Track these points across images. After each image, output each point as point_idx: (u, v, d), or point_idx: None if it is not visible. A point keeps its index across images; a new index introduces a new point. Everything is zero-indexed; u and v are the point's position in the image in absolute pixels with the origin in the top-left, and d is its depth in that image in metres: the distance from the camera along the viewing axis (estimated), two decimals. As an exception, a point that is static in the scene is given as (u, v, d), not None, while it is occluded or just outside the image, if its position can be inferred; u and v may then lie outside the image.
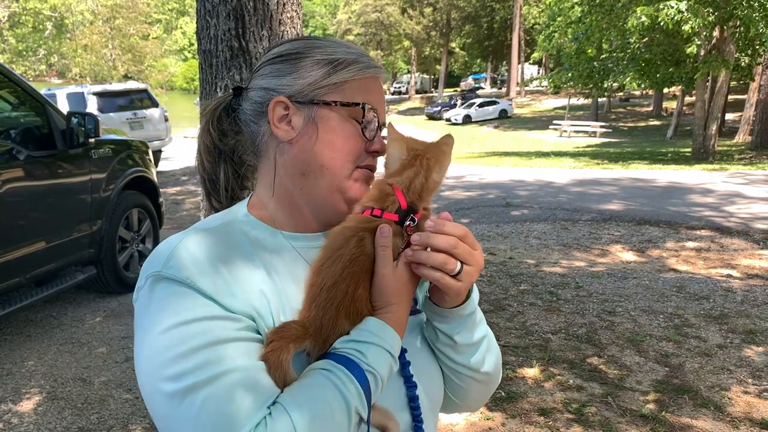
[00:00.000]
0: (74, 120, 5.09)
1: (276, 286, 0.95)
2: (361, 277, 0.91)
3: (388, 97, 68.38)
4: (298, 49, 1.04)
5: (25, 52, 37.40)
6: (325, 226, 1.01)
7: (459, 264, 0.92)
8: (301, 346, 0.88)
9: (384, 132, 1.08)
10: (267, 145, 1.04)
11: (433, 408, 1.07)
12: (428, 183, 0.97)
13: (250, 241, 0.98)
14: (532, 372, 4.23)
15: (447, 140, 1.04)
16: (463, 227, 0.94)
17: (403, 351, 0.97)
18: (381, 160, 1.06)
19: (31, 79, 33.93)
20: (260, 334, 0.89)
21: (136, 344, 0.89)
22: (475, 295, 1.05)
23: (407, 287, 0.94)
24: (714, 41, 19.46)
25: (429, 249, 0.91)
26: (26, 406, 3.88)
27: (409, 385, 0.98)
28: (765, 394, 3.93)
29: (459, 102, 48.42)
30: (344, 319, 0.90)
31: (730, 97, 27.25)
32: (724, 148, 22.67)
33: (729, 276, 6.54)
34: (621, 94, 39.43)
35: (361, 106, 1.00)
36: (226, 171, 1.12)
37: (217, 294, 0.87)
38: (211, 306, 0.86)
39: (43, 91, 11.68)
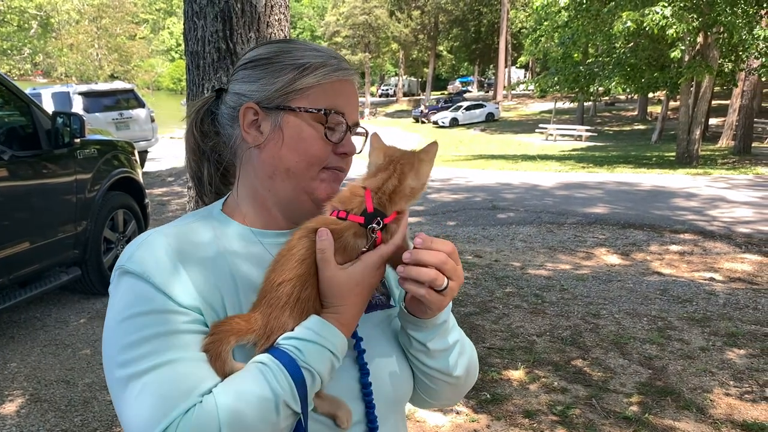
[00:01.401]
0: (59, 120, 5.05)
1: (234, 282, 0.99)
2: (308, 278, 0.93)
3: (375, 99, 68.48)
4: (269, 55, 1.08)
5: (9, 51, 36.96)
6: (295, 224, 1.04)
7: (446, 280, 0.94)
8: (243, 340, 0.91)
9: (359, 132, 1.12)
10: (240, 148, 1.09)
11: (398, 399, 1.10)
12: (402, 187, 0.99)
13: (216, 236, 1.04)
14: (517, 374, 4.26)
15: (428, 148, 1.06)
16: (450, 243, 0.97)
17: (359, 339, 1.01)
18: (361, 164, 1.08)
19: (16, 78, 33.58)
20: (208, 327, 0.94)
21: (104, 331, 0.97)
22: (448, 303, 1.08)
23: (361, 288, 0.96)
24: (698, 47, 19.65)
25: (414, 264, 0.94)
26: (9, 408, 3.84)
27: (363, 372, 1.01)
28: (746, 396, 3.98)
29: (425, 106, 48.60)
30: (289, 317, 0.92)
31: (713, 102, 27.53)
32: (708, 153, 22.88)
33: (712, 279, 6.61)
34: (606, 98, 39.66)
35: (323, 112, 1.03)
36: (209, 169, 1.17)
37: (169, 288, 0.93)
38: (163, 300, 0.92)
39: (28, 91, 11.56)
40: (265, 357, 0.90)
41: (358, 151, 1.12)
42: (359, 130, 1.12)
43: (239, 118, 1.06)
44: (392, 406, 1.08)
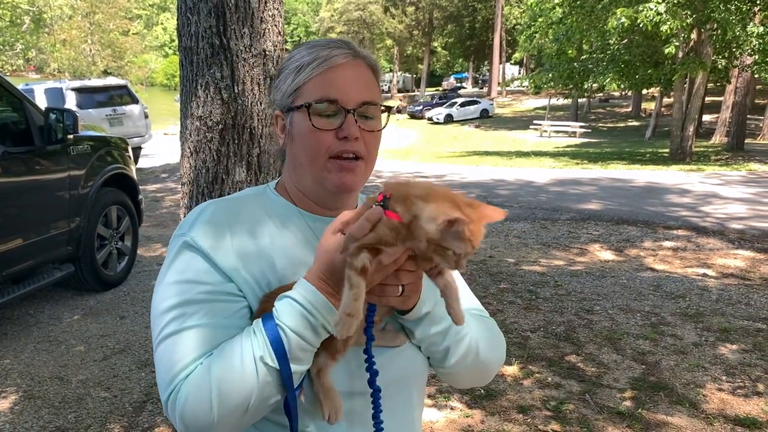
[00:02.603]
0: (52, 116, 5.03)
1: (272, 253, 1.11)
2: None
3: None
4: (282, 63, 1.21)
5: (2, 47, 36.74)
6: (328, 208, 1.19)
7: (400, 287, 1.03)
8: None
9: (367, 114, 1.14)
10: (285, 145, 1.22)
11: (406, 376, 1.19)
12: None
13: (266, 211, 1.18)
14: (511, 370, 4.27)
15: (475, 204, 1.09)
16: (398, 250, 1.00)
17: (371, 308, 1.05)
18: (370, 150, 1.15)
19: (8, 73, 33.41)
20: (242, 292, 1.07)
21: (157, 281, 1.12)
22: (427, 298, 1.13)
23: (323, 253, 1.01)
24: (692, 43, 19.70)
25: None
26: (2, 405, 3.83)
27: (368, 336, 1.07)
28: (738, 391, 4.00)
29: (401, 102, 48.74)
30: None
31: (707, 98, 27.63)
32: (701, 149, 22.96)
33: (705, 275, 6.63)
34: (601, 94, 39.76)
35: (305, 105, 1.11)
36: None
37: (215, 257, 1.07)
38: (206, 269, 1.06)
39: (20, 86, 11.53)
40: (256, 320, 1.01)
41: (380, 127, 1.18)
42: (372, 109, 1.16)
43: (276, 124, 1.21)
44: (401, 382, 1.18)
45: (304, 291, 0.99)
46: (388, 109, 1.21)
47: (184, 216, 2.95)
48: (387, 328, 1.15)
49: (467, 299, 1.32)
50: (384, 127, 1.20)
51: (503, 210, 1.04)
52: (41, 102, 12.09)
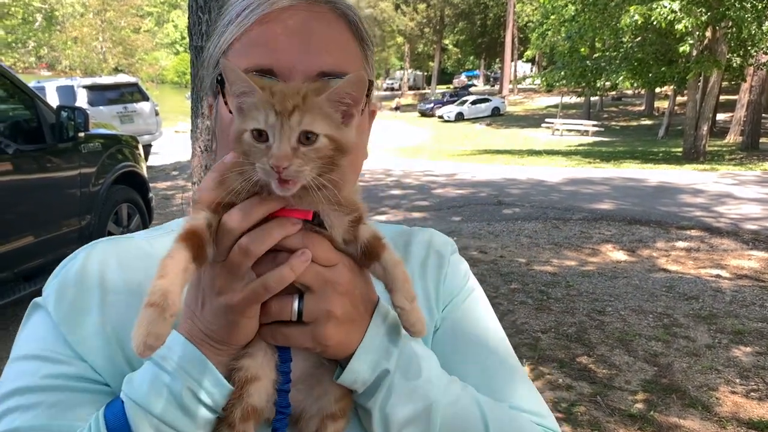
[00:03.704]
0: (64, 114, 5.05)
1: None
2: None
3: (380, 93, 68.18)
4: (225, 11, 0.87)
5: (14, 44, 37.07)
6: None
7: (296, 301, 0.71)
8: None
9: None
10: None
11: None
12: None
13: None
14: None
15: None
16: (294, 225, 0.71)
17: (283, 357, 0.74)
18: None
19: (20, 71, 33.71)
20: (101, 377, 0.78)
21: None
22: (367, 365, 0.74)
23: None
24: (706, 41, 19.54)
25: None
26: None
27: (279, 411, 0.74)
28: (752, 394, 3.95)
29: (398, 103, 49.25)
30: None
31: (721, 97, 27.39)
32: (715, 149, 22.78)
33: (718, 276, 6.57)
34: (613, 93, 39.55)
35: (216, 81, 0.83)
36: None
37: (73, 334, 0.79)
38: (55, 341, 0.79)
39: (32, 84, 11.60)
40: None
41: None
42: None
43: (209, 110, 0.93)
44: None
45: (169, 341, 0.68)
46: (369, 84, 0.84)
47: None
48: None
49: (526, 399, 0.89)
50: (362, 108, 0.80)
51: None
52: (53, 99, 12.16)
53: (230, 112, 0.77)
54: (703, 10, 17.73)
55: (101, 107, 13.73)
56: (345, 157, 0.70)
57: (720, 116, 31.14)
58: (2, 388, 0.77)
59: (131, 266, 0.84)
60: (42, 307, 0.82)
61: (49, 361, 0.77)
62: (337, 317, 0.70)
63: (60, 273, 0.84)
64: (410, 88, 68.97)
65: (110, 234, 5.77)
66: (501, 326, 1.00)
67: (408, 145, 27.30)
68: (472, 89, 61.00)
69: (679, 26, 16.95)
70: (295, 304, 0.70)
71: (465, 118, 43.27)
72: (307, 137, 0.66)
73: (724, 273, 6.69)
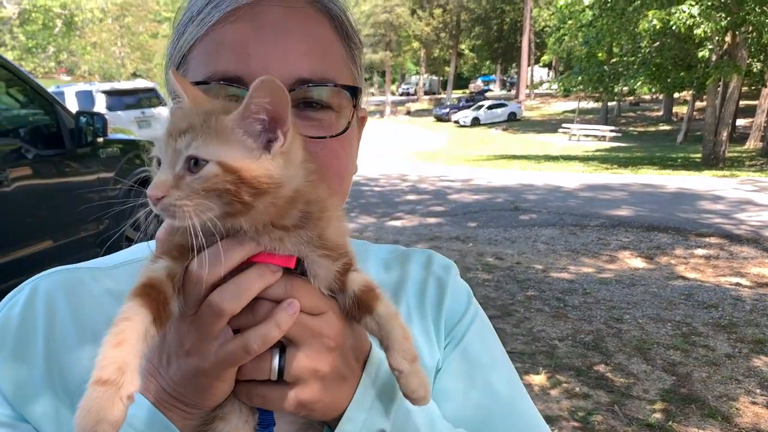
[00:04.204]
0: (83, 119, 5.10)
1: None
2: None
3: (395, 98, 68.23)
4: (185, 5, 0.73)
5: (34, 49, 37.57)
6: None
7: (277, 357, 0.61)
8: None
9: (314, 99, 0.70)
10: None
11: None
12: None
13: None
14: (538, 379, 4.20)
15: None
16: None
17: (264, 420, 0.65)
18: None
19: (40, 76, 34.11)
20: None
21: None
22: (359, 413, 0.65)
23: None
24: (726, 46, 19.34)
25: None
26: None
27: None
28: (774, 405, 3.89)
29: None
30: None
31: (741, 102, 27.08)
32: (735, 155, 22.52)
33: (738, 284, 6.48)
34: (631, 98, 39.23)
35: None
36: None
37: (12, 391, 0.69)
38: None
39: (51, 89, 11.73)
40: None
41: (338, 126, 0.71)
42: (322, 92, 0.68)
43: None
44: None
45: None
46: (354, 91, 0.71)
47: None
48: None
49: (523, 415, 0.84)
50: (346, 128, 0.71)
51: None
52: (72, 104, 12.30)
53: None
54: (723, 14, 17.55)
55: (119, 112, 13.87)
56: (263, 193, 0.55)
57: (740, 122, 30.81)
58: None
59: (81, 305, 0.74)
60: None
61: None
62: (324, 376, 0.60)
63: (2, 313, 0.74)
64: (426, 93, 68.93)
65: (128, 239, 5.80)
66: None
67: (423, 149, 27.28)
68: (488, 94, 60.88)
69: (698, 31, 16.80)
70: (275, 361, 0.59)
71: (481, 123, 43.17)
72: (195, 163, 0.54)
73: (744, 281, 6.60)
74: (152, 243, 0.74)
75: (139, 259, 0.80)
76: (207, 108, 0.56)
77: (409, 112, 53.06)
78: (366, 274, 0.65)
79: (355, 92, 0.70)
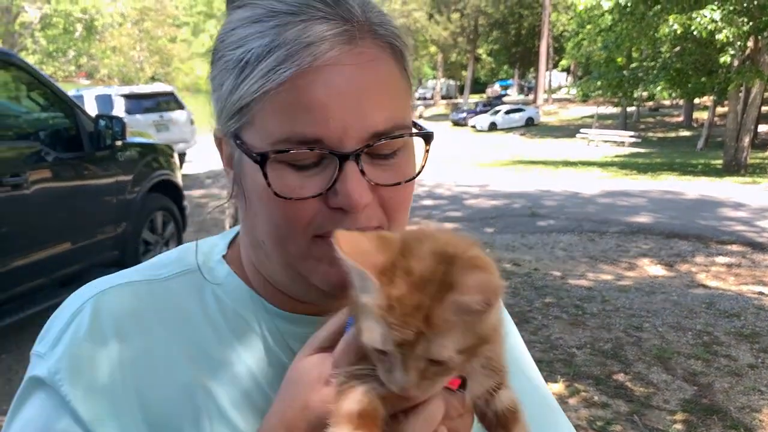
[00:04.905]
0: (101, 123, 5.14)
1: (215, 401, 0.69)
2: None
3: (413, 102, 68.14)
4: (218, 42, 0.70)
5: (55, 53, 38.11)
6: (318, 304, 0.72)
7: None
8: None
9: (354, 173, 0.64)
10: None
11: None
12: None
13: (203, 307, 0.72)
14: (556, 387, 4.15)
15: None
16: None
17: None
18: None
19: (60, 79, 34.57)
20: None
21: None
22: None
23: (303, 399, 0.60)
24: (748, 51, 19.13)
25: None
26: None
27: None
28: (799, 418, 3.80)
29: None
30: None
31: (763, 108, 26.76)
32: (757, 161, 22.23)
33: (761, 293, 6.37)
34: (650, 103, 38.96)
35: (257, 157, 0.64)
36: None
37: (95, 423, 0.65)
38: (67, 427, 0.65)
39: (71, 93, 11.86)
40: None
41: (411, 171, 0.70)
42: (392, 143, 0.66)
43: (220, 150, 0.74)
44: None
45: None
46: (426, 137, 0.71)
47: (230, 225, 2.92)
48: None
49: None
50: (420, 170, 0.70)
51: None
52: (91, 108, 12.42)
53: (278, 195, 0.64)
54: (745, 19, 17.36)
55: (138, 116, 13.98)
56: (485, 345, 0.57)
57: (762, 128, 30.43)
58: None
59: (148, 327, 0.70)
60: (48, 386, 0.67)
61: None
62: None
63: (66, 337, 0.68)
64: (443, 98, 68.92)
65: (145, 242, 5.84)
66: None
67: (440, 154, 27.23)
68: (505, 99, 60.74)
69: (720, 36, 16.62)
70: None
71: (498, 128, 43.05)
72: (435, 362, 0.54)
73: (767, 290, 6.49)
74: (201, 244, 0.78)
75: (189, 269, 0.76)
76: (422, 303, 0.53)
77: (421, 116, 52.90)
78: (513, 391, 0.64)
79: (424, 137, 0.70)
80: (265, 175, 0.63)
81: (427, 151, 0.71)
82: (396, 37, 0.68)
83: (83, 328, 0.69)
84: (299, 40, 0.61)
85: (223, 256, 0.77)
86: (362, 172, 0.63)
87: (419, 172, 0.70)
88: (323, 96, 0.61)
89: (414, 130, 0.69)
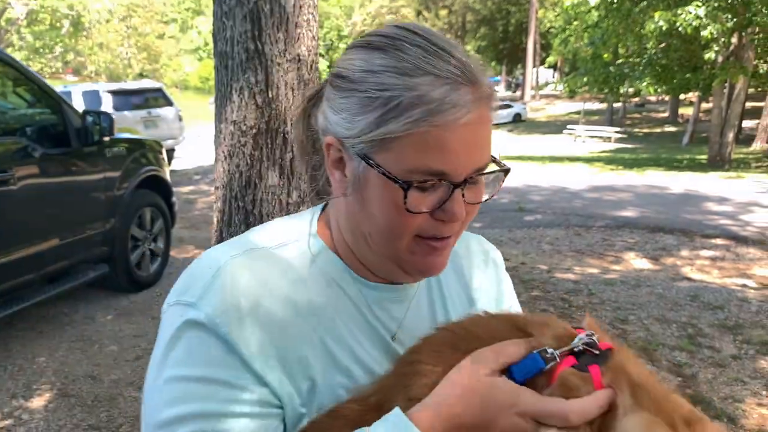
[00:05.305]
0: (89, 118, 5.12)
1: (324, 344, 0.84)
2: None
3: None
4: (358, 71, 0.80)
5: (41, 50, 37.72)
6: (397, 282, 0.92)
7: None
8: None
9: (469, 191, 0.83)
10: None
11: None
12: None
13: (307, 271, 0.87)
14: (543, 379, 4.19)
15: None
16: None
17: None
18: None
19: (47, 76, 34.21)
20: (280, 401, 0.80)
21: (148, 371, 0.82)
22: None
23: (480, 401, 0.74)
24: (732, 48, 19.29)
25: None
26: (37, 402, 3.89)
27: None
28: (780, 407, 3.87)
29: None
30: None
31: (747, 104, 27.00)
32: (741, 156, 22.45)
33: (744, 286, 6.46)
34: (636, 99, 39.18)
35: (400, 183, 0.77)
36: (308, 165, 0.99)
37: (243, 348, 0.77)
38: (236, 369, 0.77)
39: (59, 89, 11.77)
40: None
41: (487, 193, 0.87)
42: (486, 174, 0.86)
43: (324, 149, 0.86)
44: None
45: None
46: (506, 172, 0.89)
47: (218, 220, 2.95)
48: None
49: None
50: (495, 193, 0.88)
51: None
52: (79, 104, 12.34)
53: (408, 210, 0.79)
54: (729, 16, 17.50)
55: (126, 112, 13.89)
56: None
57: (746, 123, 30.70)
58: (166, 411, 0.75)
59: (270, 279, 0.84)
60: (203, 325, 0.77)
61: (228, 386, 0.76)
62: None
63: (215, 289, 0.80)
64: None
65: (134, 237, 5.83)
66: None
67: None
68: (493, 95, 60.74)
69: (705, 32, 16.75)
70: None
71: (486, 124, 43.01)
72: None
73: (750, 282, 6.58)
74: (292, 222, 0.93)
75: (292, 241, 0.90)
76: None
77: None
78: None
79: (502, 167, 0.88)
80: (406, 196, 0.77)
81: (503, 181, 0.88)
82: (496, 98, 0.84)
83: (229, 283, 0.80)
84: (445, 101, 0.75)
85: (316, 233, 0.92)
86: (463, 195, 0.80)
87: (492, 196, 0.87)
88: (455, 144, 0.77)
89: (497, 167, 0.87)
